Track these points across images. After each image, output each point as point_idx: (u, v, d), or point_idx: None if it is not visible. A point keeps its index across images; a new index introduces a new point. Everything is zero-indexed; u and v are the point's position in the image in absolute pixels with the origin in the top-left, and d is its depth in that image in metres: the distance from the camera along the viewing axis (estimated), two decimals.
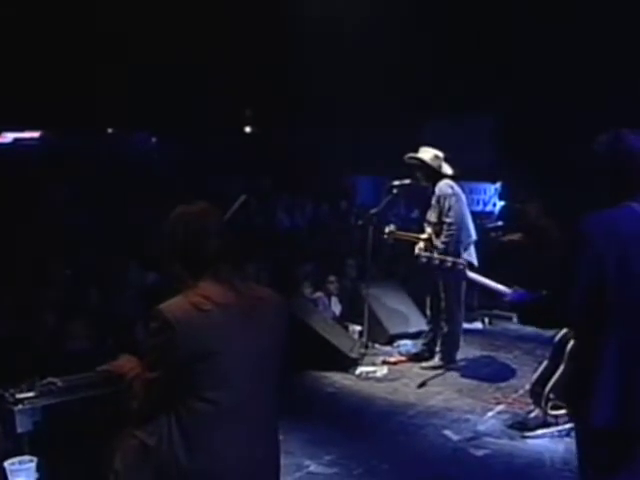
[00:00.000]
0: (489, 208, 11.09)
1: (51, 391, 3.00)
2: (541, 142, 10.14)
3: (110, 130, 15.42)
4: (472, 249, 6.32)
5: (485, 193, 11.62)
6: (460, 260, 3.11)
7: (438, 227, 6.26)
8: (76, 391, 3.04)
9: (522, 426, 4.90)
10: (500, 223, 9.34)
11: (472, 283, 3.34)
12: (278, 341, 2.55)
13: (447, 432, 4.93)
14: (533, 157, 10.00)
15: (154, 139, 15.62)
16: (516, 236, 8.05)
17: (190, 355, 2.31)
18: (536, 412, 4.88)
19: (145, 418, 2.42)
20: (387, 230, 6.69)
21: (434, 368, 6.30)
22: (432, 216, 6.34)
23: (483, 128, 12.84)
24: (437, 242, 6.25)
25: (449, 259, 3.06)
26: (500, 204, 10.76)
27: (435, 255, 3.09)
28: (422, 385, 5.95)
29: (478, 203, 11.40)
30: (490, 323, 7.79)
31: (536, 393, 4.72)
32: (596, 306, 2.35)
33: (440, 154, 6.33)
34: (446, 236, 6.13)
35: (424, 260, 3.10)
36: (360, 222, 7.26)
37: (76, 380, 3.09)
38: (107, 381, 2.80)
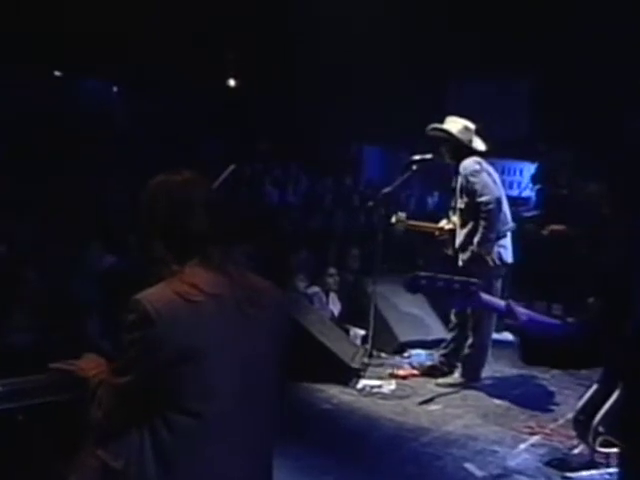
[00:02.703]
0: (526, 193, 10.90)
1: None
2: (591, 110, 10.08)
3: (58, 73, 15.14)
4: (507, 241, 6.27)
5: (521, 174, 11.52)
6: (472, 280, 2.90)
7: (466, 215, 6.20)
8: (20, 398, 2.97)
9: (563, 464, 4.88)
10: (537, 212, 9.28)
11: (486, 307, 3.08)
12: (278, 344, 2.53)
13: (469, 465, 4.91)
14: (580, 129, 9.94)
15: (115, 88, 15.46)
16: (561, 227, 8.00)
17: (173, 357, 2.27)
18: (581, 448, 4.86)
19: (110, 434, 2.39)
20: (394, 219, 6.67)
21: (453, 385, 6.32)
22: (457, 201, 6.31)
23: (519, 91, 12.77)
24: (461, 234, 6.21)
25: (457, 279, 2.84)
26: (535, 188, 10.60)
27: (439, 275, 2.84)
28: (428, 402, 5.96)
29: (512, 186, 11.31)
30: None
31: (581, 424, 4.66)
32: None
33: (471, 125, 6.32)
34: (485, 219, 6.03)
35: (423, 282, 2.85)
36: (370, 204, 7.22)
37: (20, 383, 3.02)
38: (63, 386, 2.75)
